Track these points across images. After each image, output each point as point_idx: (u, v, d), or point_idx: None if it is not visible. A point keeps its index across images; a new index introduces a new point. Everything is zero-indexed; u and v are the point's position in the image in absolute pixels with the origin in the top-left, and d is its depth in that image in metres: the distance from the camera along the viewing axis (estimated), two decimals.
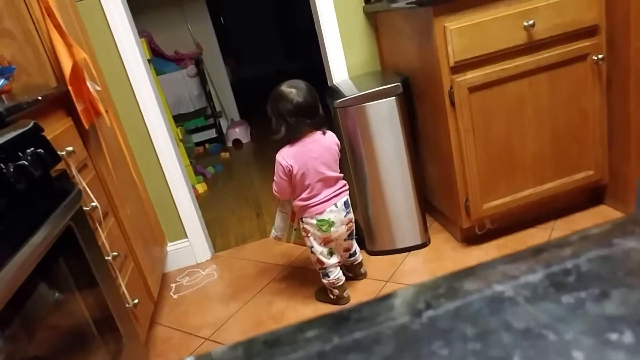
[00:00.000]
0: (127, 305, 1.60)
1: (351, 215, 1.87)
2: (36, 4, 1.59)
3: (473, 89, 1.79)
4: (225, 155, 4.41)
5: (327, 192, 1.79)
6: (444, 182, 2.06)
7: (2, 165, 1.01)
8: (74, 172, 1.46)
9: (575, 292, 0.25)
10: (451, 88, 1.78)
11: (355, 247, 2.01)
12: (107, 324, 1.40)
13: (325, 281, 1.91)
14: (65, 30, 1.63)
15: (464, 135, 1.84)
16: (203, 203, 2.95)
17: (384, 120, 1.98)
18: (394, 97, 1.95)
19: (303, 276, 2.19)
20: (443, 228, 2.29)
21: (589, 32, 1.82)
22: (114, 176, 1.84)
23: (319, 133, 1.78)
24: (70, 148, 1.43)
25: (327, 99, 2.14)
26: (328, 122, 1.91)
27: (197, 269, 2.48)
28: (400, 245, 2.18)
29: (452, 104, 1.80)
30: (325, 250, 1.86)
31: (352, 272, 2.05)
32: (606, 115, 1.94)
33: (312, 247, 1.86)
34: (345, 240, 1.91)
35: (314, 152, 1.75)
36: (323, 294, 1.99)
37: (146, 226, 2.17)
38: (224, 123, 4.98)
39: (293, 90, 1.72)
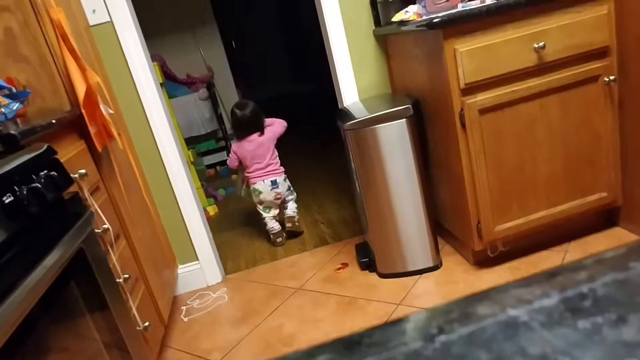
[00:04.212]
0: (137, 328, 1.60)
1: (278, 190, 2.76)
2: (51, 29, 1.62)
3: (484, 111, 1.79)
4: (236, 177, 4.42)
5: (258, 172, 2.74)
6: (456, 204, 2.05)
7: (16, 188, 1.02)
8: (87, 194, 1.47)
9: (592, 317, 0.25)
10: (462, 110, 1.78)
11: (290, 204, 2.86)
12: (117, 347, 1.39)
13: (266, 228, 2.81)
14: (80, 54, 1.66)
15: (475, 157, 1.84)
16: (214, 225, 2.96)
17: (394, 142, 1.98)
18: (404, 119, 1.96)
19: (314, 299, 2.17)
20: (455, 250, 2.27)
21: (600, 53, 1.82)
22: (125, 199, 1.85)
23: (256, 134, 2.71)
24: (82, 171, 1.45)
25: (337, 121, 2.15)
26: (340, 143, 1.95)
27: (207, 292, 2.47)
28: (411, 267, 2.16)
29: (463, 125, 1.80)
30: (261, 207, 2.81)
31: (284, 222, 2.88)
32: (619, 137, 1.93)
33: (257, 205, 2.81)
34: (276, 204, 2.82)
35: (250, 146, 2.71)
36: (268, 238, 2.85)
37: (157, 249, 2.18)
38: None
39: (239, 110, 2.70)
